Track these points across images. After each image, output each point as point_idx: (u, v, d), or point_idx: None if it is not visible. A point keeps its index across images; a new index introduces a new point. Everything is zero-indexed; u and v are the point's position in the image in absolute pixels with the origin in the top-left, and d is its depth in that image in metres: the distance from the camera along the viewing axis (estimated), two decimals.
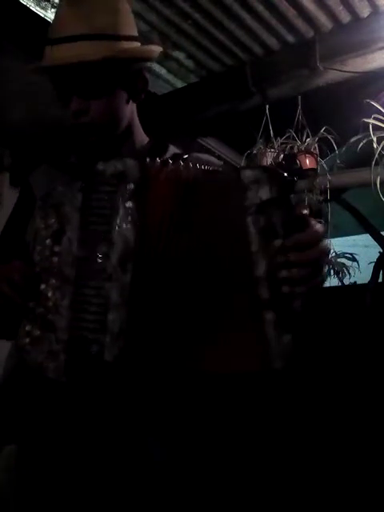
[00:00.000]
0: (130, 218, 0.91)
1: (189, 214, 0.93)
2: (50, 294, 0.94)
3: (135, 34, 1.11)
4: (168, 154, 1.14)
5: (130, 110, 1.13)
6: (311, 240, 0.90)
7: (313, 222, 0.92)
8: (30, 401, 1.04)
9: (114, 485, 0.99)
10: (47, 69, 1.07)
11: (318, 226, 0.92)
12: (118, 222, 0.91)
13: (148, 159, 0.95)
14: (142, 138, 1.18)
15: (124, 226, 0.91)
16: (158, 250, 0.91)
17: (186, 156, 1.10)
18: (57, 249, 0.94)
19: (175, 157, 1.04)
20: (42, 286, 0.94)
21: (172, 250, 0.92)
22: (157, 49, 1.13)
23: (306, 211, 0.92)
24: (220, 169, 1.01)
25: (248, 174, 0.91)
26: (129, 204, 0.92)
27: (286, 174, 0.92)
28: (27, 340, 0.94)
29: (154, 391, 1.00)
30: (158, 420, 1.02)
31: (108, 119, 1.08)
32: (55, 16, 1.10)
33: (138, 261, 0.91)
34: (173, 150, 1.17)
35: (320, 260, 0.92)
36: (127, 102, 1.11)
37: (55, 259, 0.94)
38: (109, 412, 1.01)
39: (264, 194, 0.90)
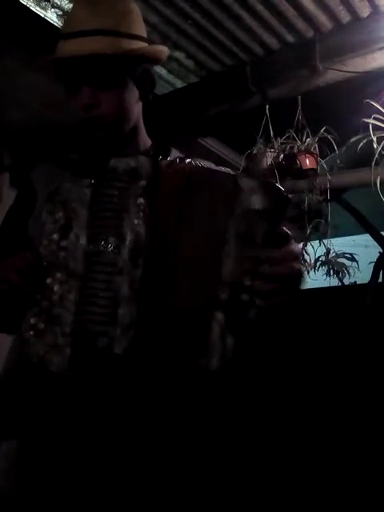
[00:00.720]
0: (141, 213, 0.93)
1: (191, 208, 0.95)
2: (55, 288, 0.95)
3: (145, 35, 1.13)
4: (171, 157, 1.14)
5: (138, 110, 1.15)
6: (284, 258, 0.93)
7: (293, 243, 0.95)
8: (31, 395, 1.04)
9: (116, 481, 0.99)
10: (59, 62, 1.08)
11: (296, 248, 0.96)
12: (129, 217, 0.93)
13: (160, 157, 0.98)
14: (145, 140, 1.19)
15: (135, 221, 0.93)
16: (167, 244, 0.93)
17: (188, 160, 1.12)
18: (63, 243, 0.95)
19: (179, 160, 1.05)
20: (48, 280, 0.95)
21: (178, 244, 0.93)
22: (165, 50, 1.15)
23: (288, 231, 0.94)
24: (222, 169, 1.03)
25: (245, 181, 0.95)
26: (140, 200, 0.94)
27: (283, 190, 0.95)
28: (31, 333, 0.95)
29: (159, 385, 1.01)
30: (161, 415, 1.02)
31: (117, 115, 1.09)
32: (68, 15, 1.13)
33: (148, 255, 0.92)
34: (175, 153, 1.19)
35: (288, 280, 0.93)
36: (136, 102, 1.13)
37: (62, 254, 0.95)
38: (112, 407, 1.01)
39: (254, 202, 0.92)
